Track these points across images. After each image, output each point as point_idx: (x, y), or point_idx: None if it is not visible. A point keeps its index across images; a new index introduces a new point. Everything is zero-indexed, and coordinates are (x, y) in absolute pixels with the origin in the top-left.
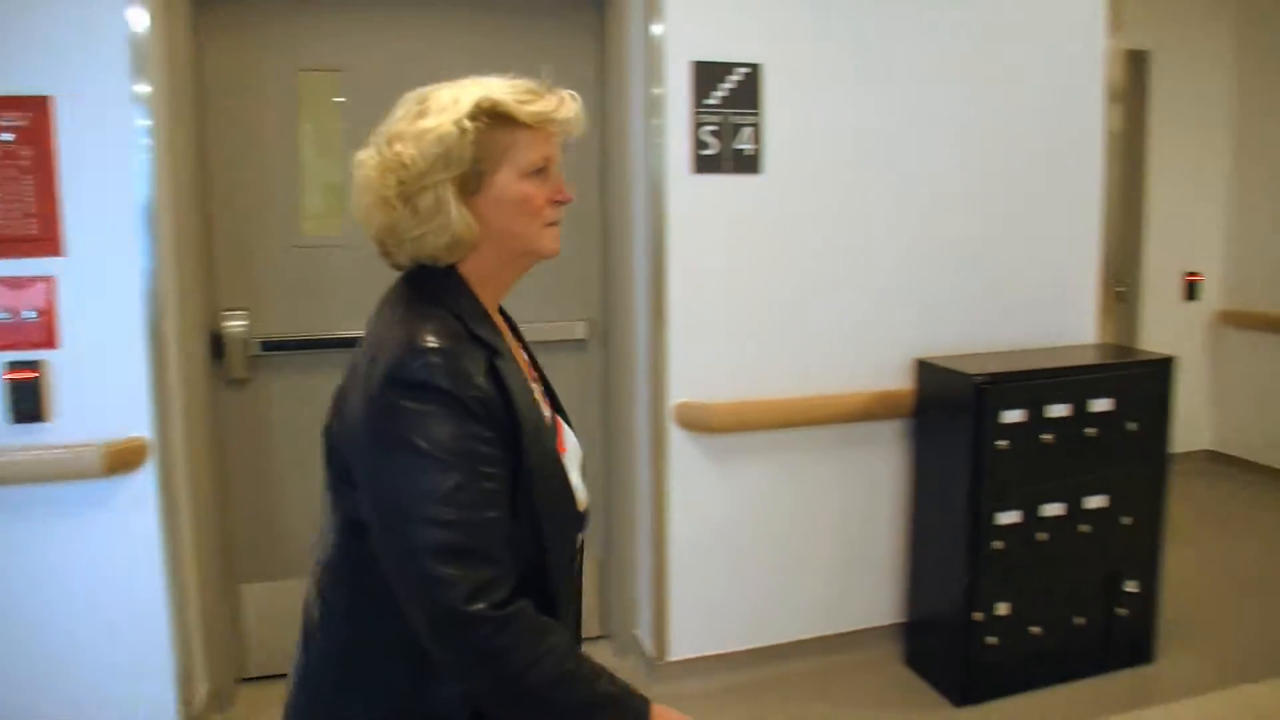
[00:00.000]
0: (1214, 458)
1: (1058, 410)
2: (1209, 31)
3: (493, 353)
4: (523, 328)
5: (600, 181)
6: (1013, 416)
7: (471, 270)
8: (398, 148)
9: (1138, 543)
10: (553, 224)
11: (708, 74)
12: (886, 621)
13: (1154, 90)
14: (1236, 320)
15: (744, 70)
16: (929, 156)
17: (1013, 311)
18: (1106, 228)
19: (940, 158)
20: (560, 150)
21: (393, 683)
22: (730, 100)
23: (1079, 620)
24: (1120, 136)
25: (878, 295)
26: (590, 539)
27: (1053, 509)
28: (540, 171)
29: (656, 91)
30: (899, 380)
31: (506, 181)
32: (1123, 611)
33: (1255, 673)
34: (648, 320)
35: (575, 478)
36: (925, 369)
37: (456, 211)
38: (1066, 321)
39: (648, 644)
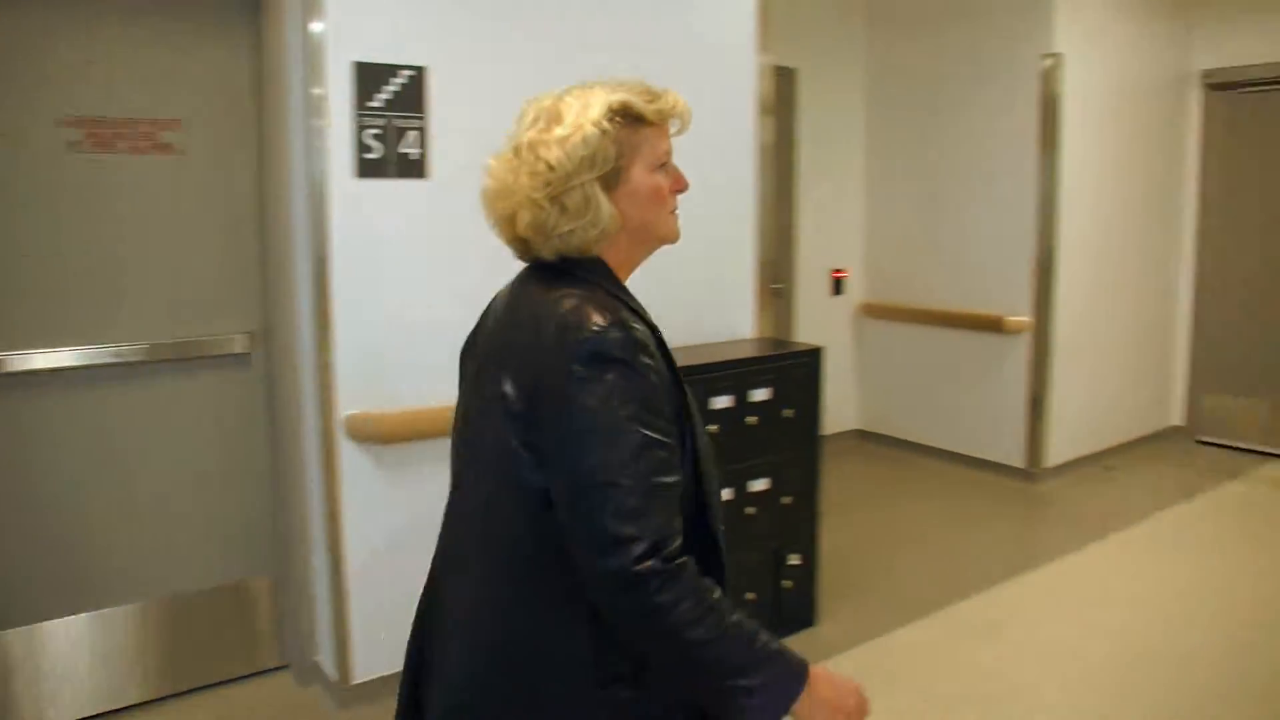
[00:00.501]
0: (862, 436)
1: (722, 402)
2: (846, 51)
3: (654, 330)
4: (174, 341)
5: (258, 185)
6: None
7: (610, 258)
8: (541, 153)
9: (798, 519)
10: (673, 211)
11: (371, 76)
12: None
13: (800, 104)
14: (875, 312)
15: (409, 73)
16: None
17: (677, 311)
18: (761, 231)
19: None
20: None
21: (581, 644)
22: (395, 103)
23: (750, 595)
24: (771, 147)
25: None
26: (263, 564)
27: (722, 495)
28: (664, 164)
29: (317, 92)
30: None
31: (640, 175)
32: (788, 584)
33: (903, 619)
34: (312, 330)
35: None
36: None
37: (606, 207)
38: (727, 318)
39: (331, 669)
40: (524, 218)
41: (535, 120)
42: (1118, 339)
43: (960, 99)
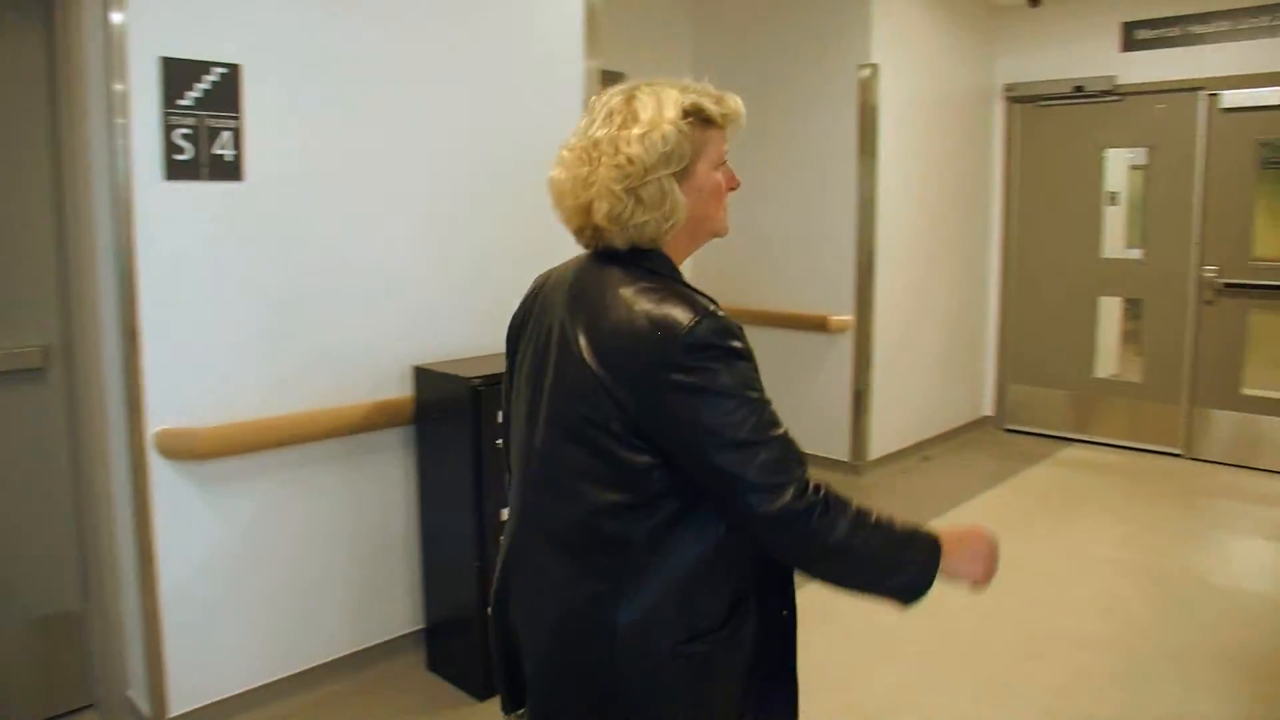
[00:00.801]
0: None
1: None
2: (672, 53)
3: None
4: None
5: (54, 188)
6: None
7: (670, 250)
8: (622, 148)
9: None
10: (726, 208)
11: (180, 72)
12: (408, 630)
13: None
14: None
15: (221, 70)
16: (423, 167)
17: (505, 316)
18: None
19: (435, 169)
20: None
21: (662, 607)
22: (207, 102)
23: None
24: None
25: (373, 304)
26: (62, 595)
27: None
28: (722, 164)
29: (119, 89)
30: (400, 388)
31: (704, 172)
32: None
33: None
34: (118, 342)
35: None
36: (423, 375)
37: (680, 199)
38: None
39: (143, 704)
40: (601, 208)
41: (609, 117)
42: (933, 336)
43: (784, 105)
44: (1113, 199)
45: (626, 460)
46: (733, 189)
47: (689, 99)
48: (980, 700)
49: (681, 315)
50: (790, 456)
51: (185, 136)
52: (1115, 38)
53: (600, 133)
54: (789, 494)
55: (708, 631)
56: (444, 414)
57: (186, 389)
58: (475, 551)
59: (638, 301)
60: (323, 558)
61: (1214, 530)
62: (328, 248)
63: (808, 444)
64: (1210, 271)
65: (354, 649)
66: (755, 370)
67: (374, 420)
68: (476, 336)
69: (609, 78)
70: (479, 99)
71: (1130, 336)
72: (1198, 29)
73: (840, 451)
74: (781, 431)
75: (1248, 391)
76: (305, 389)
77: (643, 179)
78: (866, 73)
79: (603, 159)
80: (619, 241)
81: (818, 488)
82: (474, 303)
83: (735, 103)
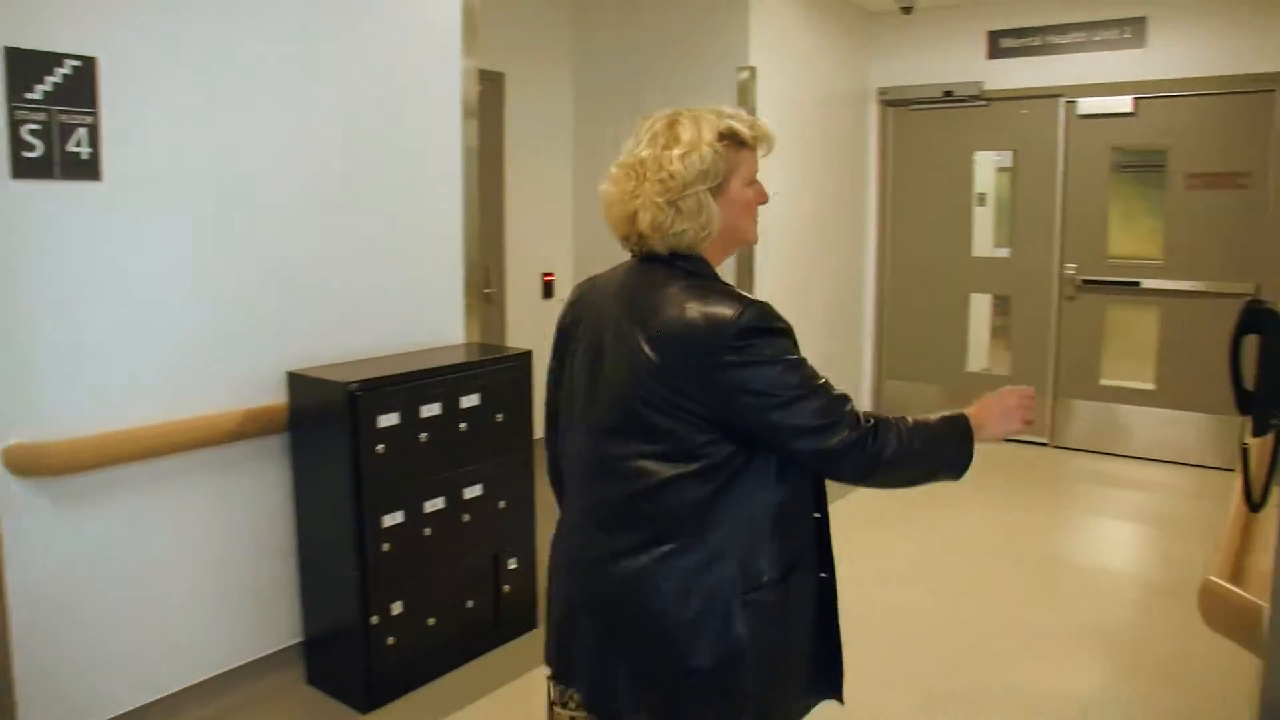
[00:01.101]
0: None
1: (431, 410)
2: (552, 55)
3: None
4: None
5: None
6: (388, 420)
7: (706, 255)
8: (665, 165)
9: (514, 524)
10: (756, 220)
11: (28, 64)
12: (286, 644)
13: (509, 108)
14: None
15: (75, 63)
16: (291, 167)
17: (385, 319)
18: (470, 235)
19: (305, 169)
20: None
21: (725, 565)
22: (59, 96)
23: (470, 604)
24: (479, 151)
25: (243, 309)
26: None
27: (435, 504)
28: (753, 181)
29: None
30: (273, 395)
31: (737, 188)
32: (507, 588)
33: None
34: None
35: None
36: (298, 381)
37: (715, 211)
38: (437, 325)
39: None
40: (644, 218)
41: (654, 139)
42: (812, 333)
43: (666, 106)
44: (981, 200)
45: (685, 436)
46: (762, 203)
47: (724, 123)
48: (852, 682)
49: (729, 308)
50: (836, 398)
51: (34, 133)
52: (982, 45)
53: (645, 152)
54: (844, 429)
55: (769, 583)
56: (320, 420)
57: (41, 400)
58: (355, 560)
59: (687, 298)
60: (192, 574)
61: (1076, 514)
62: (193, 250)
63: None
64: (1071, 269)
65: (228, 667)
66: (794, 339)
67: (247, 428)
68: (353, 340)
69: (487, 77)
70: (352, 98)
71: (999, 332)
72: (1057, 39)
73: None
74: (824, 381)
75: (1105, 382)
76: (172, 397)
77: (681, 193)
78: (745, 75)
79: (647, 175)
80: (660, 247)
81: (867, 417)
82: (351, 306)
83: (764, 127)
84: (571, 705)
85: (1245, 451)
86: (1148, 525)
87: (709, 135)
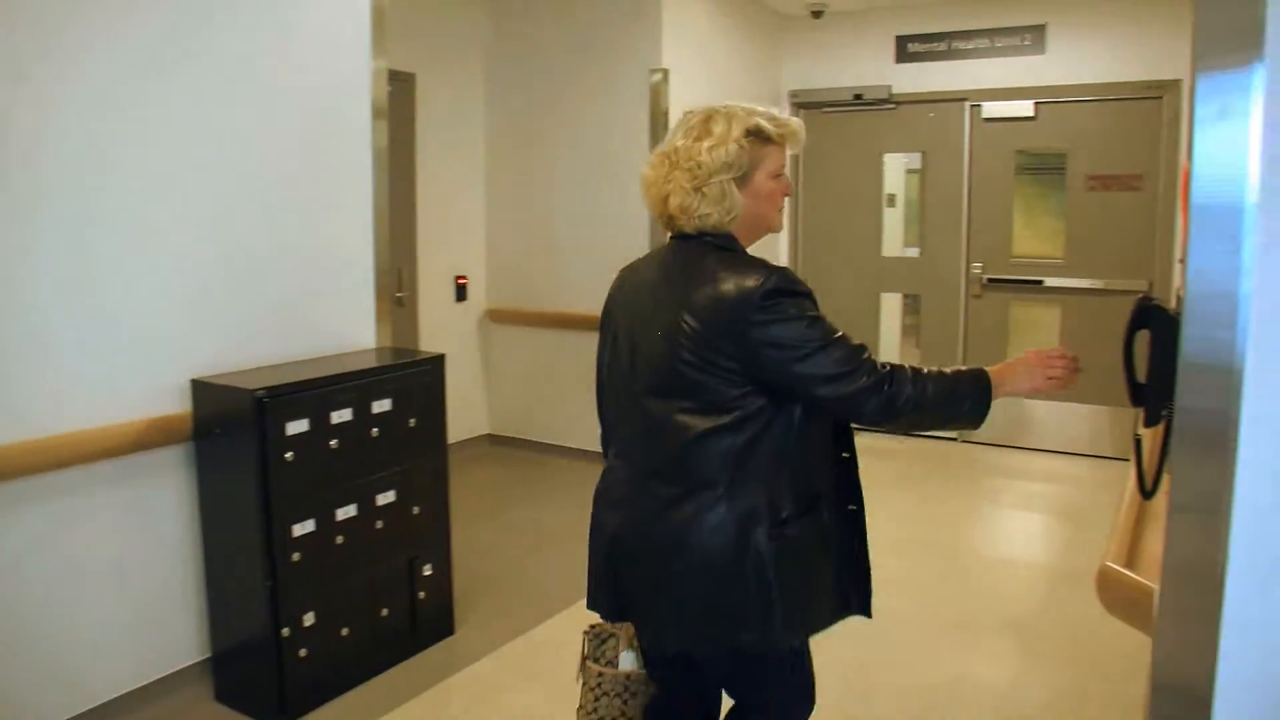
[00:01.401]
0: (493, 440)
1: (342, 416)
2: (464, 56)
3: None
4: None
5: None
6: (297, 427)
7: (747, 234)
8: (694, 156)
9: (428, 529)
10: (780, 209)
11: None
12: (192, 661)
13: (420, 109)
14: (501, 317)
15: None
16: (198, 170)
17: (294, 324)
18: (380, 239)
19: (208, 172)
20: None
21: (755, 505)
22: None
23: (385, 612)
24: (389, 152)
25: (145, 316)
26: None
27: (347, 512)
28: (779, 175)
29: None
30: (177, 403)
31: (761, 180)
32: (422, 594)
33: (542, 617)
34: None
35: None
36: (202, 388)
37: (737, 198)
38: (347, 329)
39: None
40: (674, 201)
41: (689, 131)
42: None
43: (576, 108)
44: (891, 201)
45: (720, 391)
46: (787, 195)
47: (752, 121)
48: None
49: (756, 276)
50: (854, 348)
51: None
52: (890, 50)
53: (680, 143)
54: (863, 375)
55: (793, 517)
56: (226, 428)
57: None
58: (265, 570)
59: (720, 269)
60: (93, 593)
61: (986, 506)
62: (88, 253)
63: (592, 444)
64: (977, 268)
65: (131, 687)
66: (814, 300)
67: (149, 439)
68: (261, 346)
69: (398, 78)
70: (257, 99)
71: (909, 330)
72: (962, 45)
73: None
74: (841, 334)
75: None
76: (69, 408)
77: (707, 180)
78: (658, 77)
79: (679, 163)
80: (689, 228)
81: (883, 365)
82: (258, 311)
83: (794, 126)
84: (602, 661)
85: (1138, 441)
86: (1051, 515)
87: (737, 131)
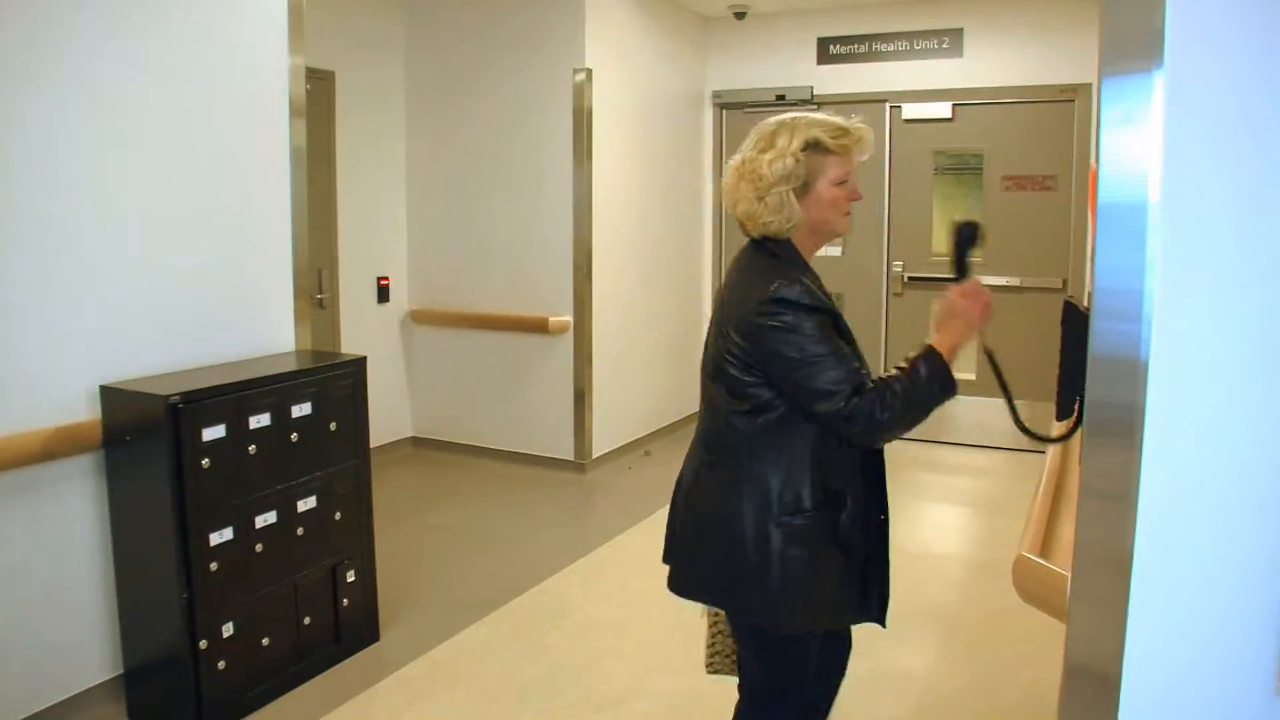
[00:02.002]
0: (416, 443)
1: (260, 420)
2: (384, 54)
3: (818, 281)
4: None
5: None
6: (214, 433)
7: (798, 241)
8: (756, 168)
9: (351, 535)
10: (846, 214)
11: None
12: (103, 679)
13: (340, 107)
14: (424, 318)
15: None
16: (107, 171)
17: (209, 328)
18: (299, 239)
19: (118, 171)
20: (857, 165)
21: (767, 489)
22: None
23: (307, 620)
24: (307, 151)
25: (51, 321)
26: None
27: (266, 519)
28: (843, 182)
29: None
30: (85, 411)
31: (823, 188)
32: (346, 601)
33: (468, 620)
34: None
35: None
36: (112, 395)
37: (796, 208)
38: (266, 332)
39: None
40: (740, 208)
41: (757, 143)
42: (650, 332)
43: (499, 107)
44: None
45: (738, 379)
46: (854, 200)
47: (812, 134)
48: (708, 679)
49: (771, 285)
50: (846, 369)
51: None
52: (812, 51)
53: (750, 154)
54: (843, 396)
55: (806, 510)
56: (138, 436)
57: None
58: (180, 582)
59: (754, 275)
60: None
61: (906, 499)
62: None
63: (531, 445)
64: (897, 266)
65: (34, 710)
66: (822, 315)
67: (55, 448)
68: (174, 351)
69: (316, 76)
70: (171, 96)
71: None
72: (882, 47)
73: (564, 451)
74: (841, 356)
75: None
76: None
77: (768, 191)
78: (581, 77)
79: (746, 174)
80: (755, 233)
81: (867, 390)
82: (171, 315)
83: (856, 136)
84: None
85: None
86: (971, 507)
87: (796, 144)
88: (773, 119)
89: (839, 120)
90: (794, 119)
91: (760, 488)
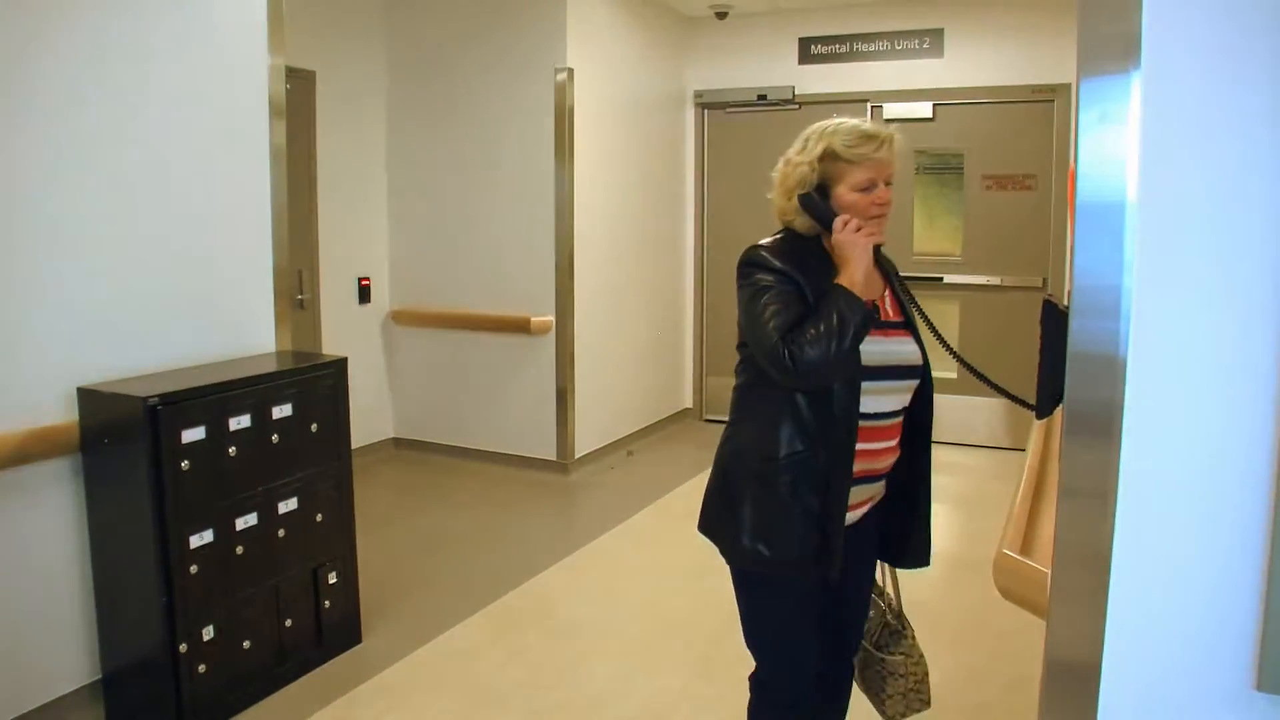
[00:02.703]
0: (398, 444)
1: (240, 422)
2: (365, 53)
3: (800, 265)
4: None
5: None
6: (193, 435)
7: (827, 243)
8: (784, 168)
9: (332, 536)
10: (876, 218)
11: None
12: (80, 684)
13: (320, 107)
14: (405, 319)
15: None
16: (85, 169)
17: (189, 329)
18: (279, 240)
19: (100, 172)
20: (888, 171)
21: (746, 441)
22: None
23: (289, 623)
24: (288, 151)
25: (25, 321)
26: None
27: (247, 521)
28: (866, 189)
29: None
30: (62, 413)
31: (842, 193)
32: (327, 603)
33: (451, 622)
34: None
35: (884, 348)
36: (90, 397)
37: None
38: (246, 333)
39: None
40: (776, 203)
41: (797, 144)
42: (634, 332)
43: (481, 107)
44: None
45: (741, 344)
46: (878, 204)
47: (831, 142)
48: (691, 679)
49: (752, 249)
50: (779, 325)
51: None
52: (794, 51)
53: (791, 155)
54: (778, 344)
55: (774, 458)
56: (116, 438)
57: None
58: (160, 586)
59: None
60: None
61: None
62: None
63: (513, 446)
64: None
65: (10, 716)
66: (779, 276)
67: (30, 451)
68: (154, 352)
69: (297, 76)
70: (151, 97)
71: None
72: (863, 47)
73: (547, 451)
74: (778, 311)
75: None
76: None
77: (790, 193)
78: (562, 76)
79: (781, 174)
80: (781, 221)
81: (793, 340)
82: (151, 316)
83: (874, 147)
84: None
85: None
86: (952, 505)
87: (815, 152)
88: (818, 123)
89: (867, 127)
90: (826, 126)
91: (742, 440)
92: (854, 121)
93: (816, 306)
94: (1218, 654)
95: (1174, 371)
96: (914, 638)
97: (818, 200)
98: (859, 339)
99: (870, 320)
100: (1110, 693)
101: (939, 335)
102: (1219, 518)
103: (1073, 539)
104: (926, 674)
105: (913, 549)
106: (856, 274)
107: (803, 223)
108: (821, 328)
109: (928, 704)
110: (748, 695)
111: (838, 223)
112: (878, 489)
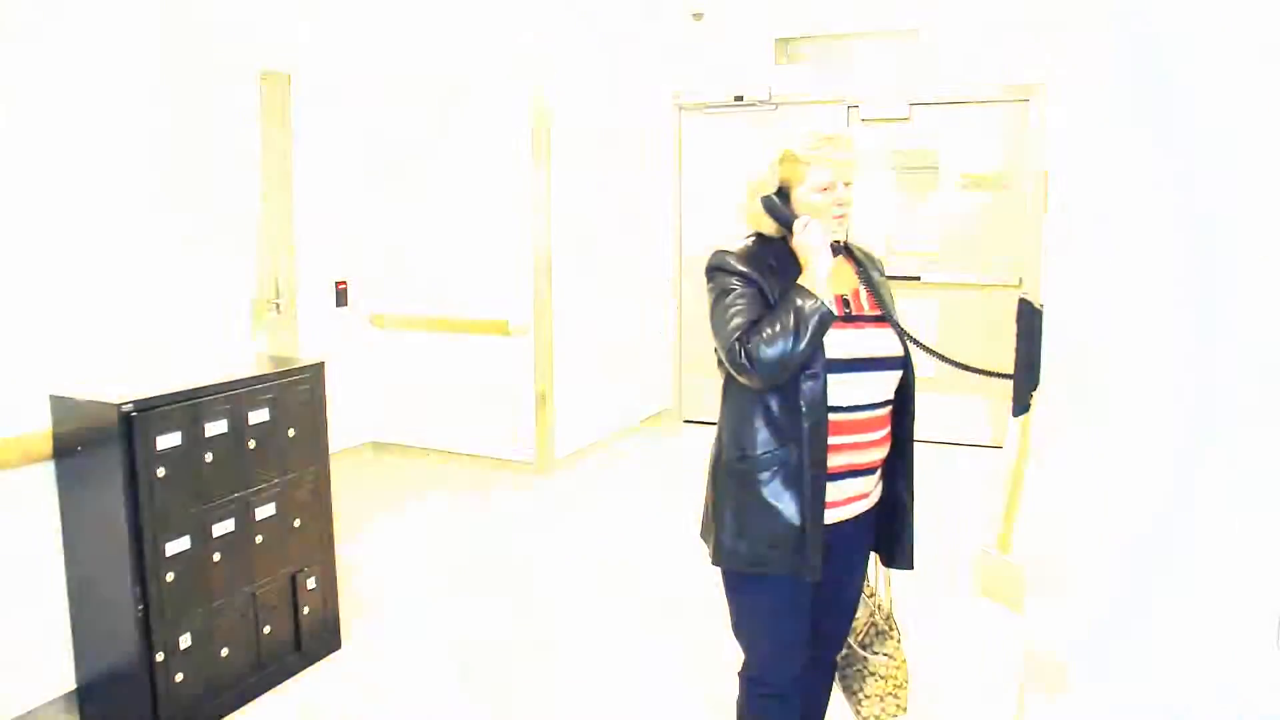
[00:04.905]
0: (378, 448)
1: (216, 428)
2: (343, 55)
3: (769, 269)
4: None
5: None
6: (169, 441)
7: (790, 241)
8: (754, 175)
9: (311, 542)
10: (838, 218)
11: None
12: (55, 695)
13: (297, 109)
14: (384, 322)
15: None
16: (59, 169)
17: (164, 334)
18: (256, 243)
19: (74, 172)
20: (848, 172)
21: (724, 441)
22: None
23: (268, 629)
24: (266, 156)
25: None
26: None
27: (224, 527)
28: (827, 190)
29: None
30: (35, 420)
31: (802, 194)
32: (306, 609)
33: (432, 623)
34: None
35: (857, 340)
36: (62, 404)
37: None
38: (222, 338)
39: None
40: (746, 205)
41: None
42: (614, 333)
43: (459, 110)
44: None
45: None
46: (839, 205)
47: (791, 144)
48: (678, 674)
49: (717, 252)
50: (735, 329)
51: None
52: (770, 52)
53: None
54: (735, 347)
55: (750, 456)
56: (90, 445)
57: None
58: (136, 594)
59: None
60: None
61: None
62: None
63: (492, 448)
64: None
65: None
66: (740, 280)
67: (2, 459)
68: (124, 359)
69: (272, 77)
70: (131, 100)
71: None
72: (839, 47)
73: (526, 453)
74: (735, 315)
75: None
76: None
77: (752, 196)
78: (539, 78)
79: (749, 183)
80: (752, 229)
81: (749, 342)
82: (125, 321)
83: (829, 152)
84: None
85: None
86: (929, 503)
87: (774, 156)
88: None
89: (824, 129)
90: (798, 133)
91: (723, 440)
92: (816, 127)
93: (775, 306)
94: (1190, 645)
95: (1148, 367)
96: (900, 642)
97: (777, 203)
98: (817, 337)
99: (829, 318)
100: (1085, 686)
101: (894, 321)
102: (1192, 511)
103: (1049, 535)
104: (907, 680)
105: (900, 550)
106: (818, 273)
107: (769, 225)
108: (778, 327)
109: (903, 710)
110: (736, 690)
111: (797, 224)
112: (866, 484)
